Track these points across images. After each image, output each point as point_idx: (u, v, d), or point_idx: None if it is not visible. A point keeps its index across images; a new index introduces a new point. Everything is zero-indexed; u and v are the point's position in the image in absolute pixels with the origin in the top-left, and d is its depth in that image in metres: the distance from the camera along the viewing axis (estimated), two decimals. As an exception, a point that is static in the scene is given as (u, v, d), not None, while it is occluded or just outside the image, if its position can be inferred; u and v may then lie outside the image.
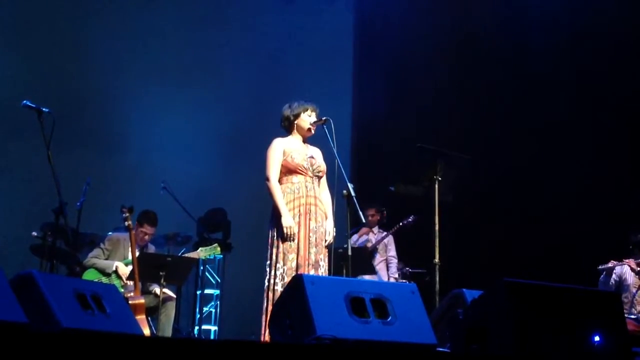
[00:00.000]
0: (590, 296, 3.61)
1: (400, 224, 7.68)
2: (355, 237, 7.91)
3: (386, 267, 7.85)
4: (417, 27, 9.13)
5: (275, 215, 4.89)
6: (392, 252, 7.90)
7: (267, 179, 4.96)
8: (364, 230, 7.95)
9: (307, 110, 5.07)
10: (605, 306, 3.51)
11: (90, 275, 6.17)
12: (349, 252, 4.86)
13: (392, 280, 7.69)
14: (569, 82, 8.33)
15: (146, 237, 6.41)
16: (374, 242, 7.84)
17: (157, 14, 9.47)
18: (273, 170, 4.96)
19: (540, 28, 8.47)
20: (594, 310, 3.44)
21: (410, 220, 7.63)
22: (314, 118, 5.05)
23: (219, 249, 6.54)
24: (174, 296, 6.38)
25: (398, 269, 7.98)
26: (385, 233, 7.86)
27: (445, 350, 3.50)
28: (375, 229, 7.96)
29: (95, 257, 6.28)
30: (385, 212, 8.00)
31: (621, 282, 6.84)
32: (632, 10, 7.96)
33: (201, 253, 6.46)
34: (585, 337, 3.29)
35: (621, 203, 7.57)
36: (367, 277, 7.21)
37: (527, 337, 3.16)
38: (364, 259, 7.41)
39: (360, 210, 4.72)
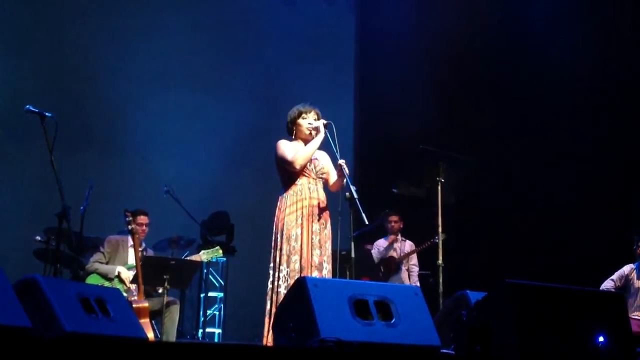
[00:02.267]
0: (594, 297, 3.60)
1: (428, 242, 7.55)
2: (383, 242, 7.92)
3: (408, 276, 7.85)
4: (418, 27, 9.13)
5: (279, 217, 4.89)
6: (414, 260, 7.92)
7: (292, 162, 4.87)
8: (392, 238, 7.94)
9: (305, 113, 5.06)
10: (609, 307, 3.51)
11: (92, 280, 6.18)
12: (353, 255, 4.85)
13: None
14: (569, 82, 8.31)
15: (144, 227, 6.45)
16: (398, 251, 7.84)
17: (160, 17, 9.49)
18: (290, 154, 4.91)
19: (542, 28, 8.46)
20: (598, 311, 3.43)
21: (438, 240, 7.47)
22: (313, 121, 5.03)
23: (220, 251, 6.54)
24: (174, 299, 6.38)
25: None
26: (411, 246, 7.84)
27: (449, 352, 3.50)
28: (399, 237, 7.96)
29: (97, 262, 6.30)
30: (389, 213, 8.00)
31: (626, 283, 6.81)
32: (632, 10, 7.94)
33: (203, 256, 6.46)
34: (589, 338, 3.28)
35: (624, 203, 7.55)
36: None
37: (531, 339, 3.15)
38: (367, 261, 7.44)
39: (364, 212, 4.69)
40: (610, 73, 7.99)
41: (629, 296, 6.57)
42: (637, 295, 6.68)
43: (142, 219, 6.46)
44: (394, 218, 7.89)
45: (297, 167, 4.88)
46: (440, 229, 5.97)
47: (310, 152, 4.90)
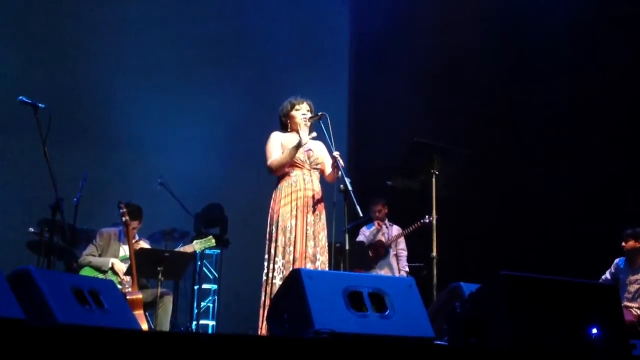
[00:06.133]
0: (588, 289, 3.61)
1: (418, 223, 7.51)
2: (367, 231, 7.91)
3: (397, 261, 7.85)
4: (414, 23, 9.11)
5: (274, 209, 4.89)
6: (402, 245, 7.91)
7: (268, 167, 4.95)
8: (378, 224, 7.93)
9: (297, 104, 5.07)
10: (603, 299, 3.52)
11: (86, 273, 6.15)
12: (347, 247, 4.85)
13: (402, 273, 7.68)
14: (566, 77, 8.31)
15: (131, 229, 6.30)
16: (387, 236, 7.84)
17: (155, 11, 9.45)
18: (270, 158, 4.96)
19: (540, 27, 8.43)
20: (592, 302, 3.45)
21: (428, 220, 7.34)
22: (307, 112, 5.04)
23: (213, 240, 6.52)
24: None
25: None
26: (398, 230, 7.83)
27: (443, 343, 3.51)
28: (386, 222, 7.96)
29: (90, 255, 6.26)
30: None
31: (616, 277, 6.88)
32: (632, 10, 7.93)
33: (196, 246, 6.45)
34: (583, 329, 3.29)
35: (619, 197, 7.57)
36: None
37: (525, 330, 3.16)
38: (361, 253, 7.44)
39: (358, 204, 4.69)
40: (609, 70, 7.99)
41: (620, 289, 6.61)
42: (626, 288, 6.74)
43: (132, 223, 6.10)
44: (377, 207, 7.88)
45: (271, 173, 4.98)
46: (434, 218, 5.97)
47: (285, 160, 4.91)
